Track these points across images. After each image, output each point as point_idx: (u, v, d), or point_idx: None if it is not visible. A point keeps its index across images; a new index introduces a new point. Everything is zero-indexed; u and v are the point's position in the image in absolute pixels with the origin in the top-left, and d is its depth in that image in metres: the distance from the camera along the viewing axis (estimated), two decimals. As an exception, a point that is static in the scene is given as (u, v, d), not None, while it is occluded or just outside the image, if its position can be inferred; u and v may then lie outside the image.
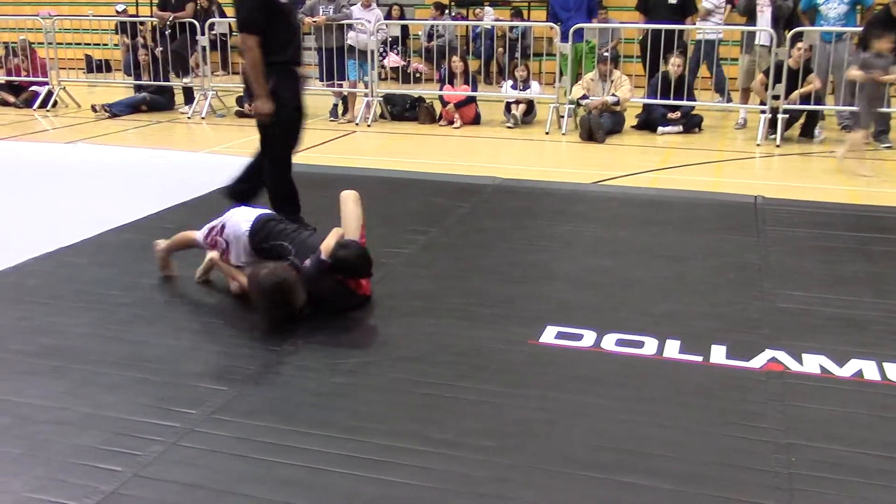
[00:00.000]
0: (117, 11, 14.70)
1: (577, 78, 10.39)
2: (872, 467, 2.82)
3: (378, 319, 4.13)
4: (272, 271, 3.90)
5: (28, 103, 11.70)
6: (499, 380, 3.44)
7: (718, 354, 3.66)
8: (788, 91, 8.93)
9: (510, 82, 10.49)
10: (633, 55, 10.83)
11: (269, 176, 5.32)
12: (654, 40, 9.84)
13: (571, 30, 9.85)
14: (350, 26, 10.45)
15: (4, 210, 6.12)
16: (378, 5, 12.20)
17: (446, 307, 4.22)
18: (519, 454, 2.90)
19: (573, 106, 9.73)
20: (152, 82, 11.39)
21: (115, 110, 10.98)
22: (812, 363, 3.57)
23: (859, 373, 3.50)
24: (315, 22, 10.30)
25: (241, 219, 4.26)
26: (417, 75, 13.54)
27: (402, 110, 10.69)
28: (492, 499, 2.66)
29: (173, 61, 11.60)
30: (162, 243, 4.62)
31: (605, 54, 9.89)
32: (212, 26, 11.11)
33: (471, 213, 6.01)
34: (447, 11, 14.73)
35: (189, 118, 10.86)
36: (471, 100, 10.36)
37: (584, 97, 9.60)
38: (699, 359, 3.63)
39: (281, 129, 5.20)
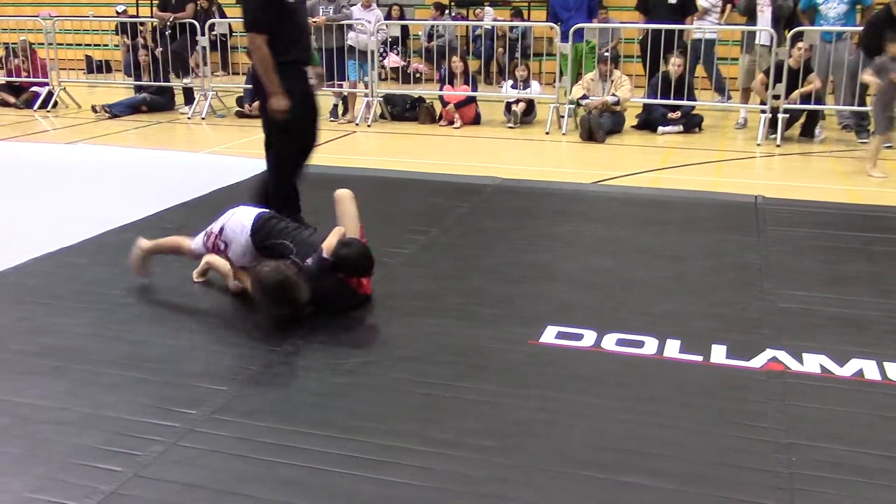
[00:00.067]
0: (117, 12, 14.71)
1: (577, 78, 10.39)
2: (873, 467, 2.82)
3: (378, 319, 4.13)
4: (274, 269, 3.90)
5: (28, 104, 11.70)
6: (499, 380, 3.44)
7: (719, 354, 3.66)
8: (789, 91, 8.93)
9: (510, 82, 10.49)
10: (634, 55, 10.83)
11: (272, 175, 5.32)
12: (654, 40, 9.84)
13: (572, 30, 9.85)
14: (350, 27, 10.45)
15: (5, 210, 6.12)
16: (378, 5, 12.20)
17: (446, 307, 4.22)
18: (519, 454, 2.89)
19: (573, 106, 9.73)
20: (152, 83, 11.39)
21: (116, 111, 10.98)
22: (812, 363, 3.57)
23: (860, 372, 3.49)
24: (315, 22, 10.29)
25: (241, 218, 4.26)
26: (417, 75, 13.54)
27: (403, 110, 10.69)
28: (492, 499, 2.66)
29: (173, 62, 11.61)
30: (145, 243, 4.52)
31: (606, 54, 9.89)
32: (212, 27, 11.11)
33: (471, 212, 6.01)
34: (447, 12, 14.74)
35: (189, 118, 10.87)
36: (471, 100, 10.36)
37: (585, 97, 9.60)
38: (699, 358, 3.63)
39: (284, 129, 5.19)
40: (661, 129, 9.54)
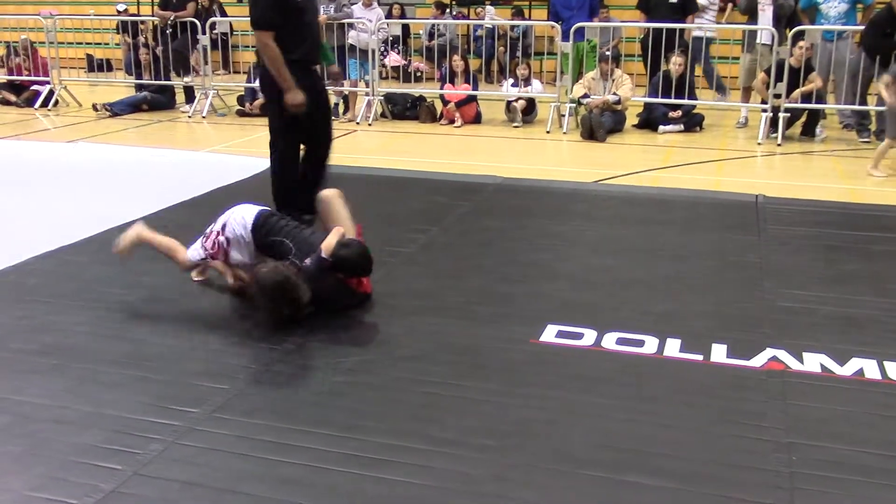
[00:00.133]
0: (118, 11, 14.71)
1: (578, 77, 10.39)
2: (873, 466, 2.82)
3: (378, 318, 4.13)
4: (273, 270, 3.90)
5: (29, 102, 11.70)
6: (499, 379, 3.44)
7: (719, 353, 3.66)
8: (790, 90, 8.92)
9: (510, 80, 10.49)
10: (635, 54, 10.82)
11: (274, 173, 5.33)
12: (655, 39, 9.84)
13: (573, 28, 9.85)
14: (351, 25, 10.45)
15: (5, 209, 6.12)
16: (379, 4, 12.19)
17: (447, 306, 4.22)
18: (519, 453, 2.90)
19: (574, 105, 9.73)
20: (153, 81, 11.39)
21: (116, 109, 10.98)
22: (813, 362, 3.57)
23: (860, 371, 3.49)
24: (316, 21, 10.30)
25: (243, 214, 4.24)
26: (418, 74, 13.54)
27: (403, 109, 10.68)
28: (492, 498, 2.66)
29: (174, 60, 11.61)
30: (145, 232, 4.40)
31: (607, 53, 9.88)
32: (213, 25, 11.11)
33: (471, 212, 6.01)
34: (448, 10, 14.73)
35: (190, 117, 10.87)
36: (472, 99, 10.35)
37: (586, 96, 9.59)
38: (700, 358, 3.63)
39: (288, 128, 5.19)
40: (661, 128, 9.53)
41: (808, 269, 4.81)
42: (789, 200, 6.29)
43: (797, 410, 3.18)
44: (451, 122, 10.24)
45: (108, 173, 7.43)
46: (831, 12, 9.26)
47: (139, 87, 11.61)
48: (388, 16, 13.57)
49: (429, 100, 10.74)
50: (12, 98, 11.81)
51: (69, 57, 13.31)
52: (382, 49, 12.55)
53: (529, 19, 14.18)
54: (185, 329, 3.98)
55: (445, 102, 10.42)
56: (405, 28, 14.54)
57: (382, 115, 10.68)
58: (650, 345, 3.74)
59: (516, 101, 10.18)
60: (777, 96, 8.94)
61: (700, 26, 10.69)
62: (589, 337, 3.83)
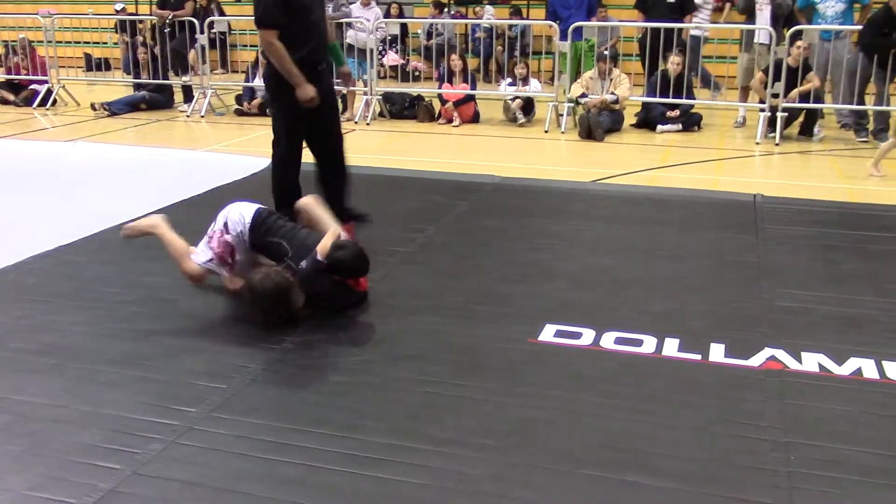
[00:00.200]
0: (116, 10, 14.69)
1: (576, 76, 10.39)
2: (871, 465, 2.82)
3: (377, 318, 4.13)
4: (267, 276, 3.90)
5: (28, 102, 11.69)
6: (498, 378, 3.44)
7: (717, 353, 3.66)
8: (788, 89, 8.93)
9: (508, 80, 10.49)
10: (633, 53, 10.83)
11: (273, 171, 5.32)
12: (653, 39, 9.84)
13: (571, 28, 9.85)
14: (349, 24, 10.45)
15: (4, 208, 6.12)
16: (377, 3, 12.20)
17: (445, 305, 4.22)
18: (518, 453, 2.90)
19: (572, 104, 9.73)
20: (151, 81, 11.38)
21: (115, 108, 10.97)
22: (811, 361, 3.58)
23: (858, 371, 3.50)
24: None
25: (241, 210, 4.21)
26: (416, 74, 13.53)
27: (401, 109, 10.68)
28: (491, 497, 2.66)
29: (172, 60, 11.61)
30: (162, 227, 4.33)
31: (605, 52, 9.89)
32: (211, 25, 11.11)
33: (470, 211, 6.01)
34: (446, 10, 14.73)
35: (188, 116, 10.86)
36: (470, 98, 10.35)
37: (584, 95, 9.59)
38: (698, 357, 3.63)
39: (291, 128, 5.19)
40: (660, 127, 9.53)
41: (806, 268, 4.81)
42: (787, 200, 6.29)
43: (795, 410, 3.19)
44: (450, 121, 10.24)
45: (107, 173, 7.43)
46: (828, 12, 9.27)
47: (137, 87, 11.59)
48: (387, 15, 13.57)
49: (427, 99, 10.74)
50: (10, 97, 11.80)
51: (67, 56, 13.30)
52: (380, 48, 12.54)
53: (527, 18, 14.19)
54: (184, 329, 3.98)
55: (443, 102, 10.42)
56: (403, 27, 14.54)
57: (380, 114, 10.68)
58: (648, 344, 3.75)
59: (513, 100, 10.18)
60: (775, 96, 8.94)
61: (699, 25, 10.69)
62: (587, 336, 3.83)
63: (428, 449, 2.91)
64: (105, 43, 14.89)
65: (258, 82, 10.69)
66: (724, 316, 4.09)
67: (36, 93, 11.71)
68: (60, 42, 12.66)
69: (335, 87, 5.81)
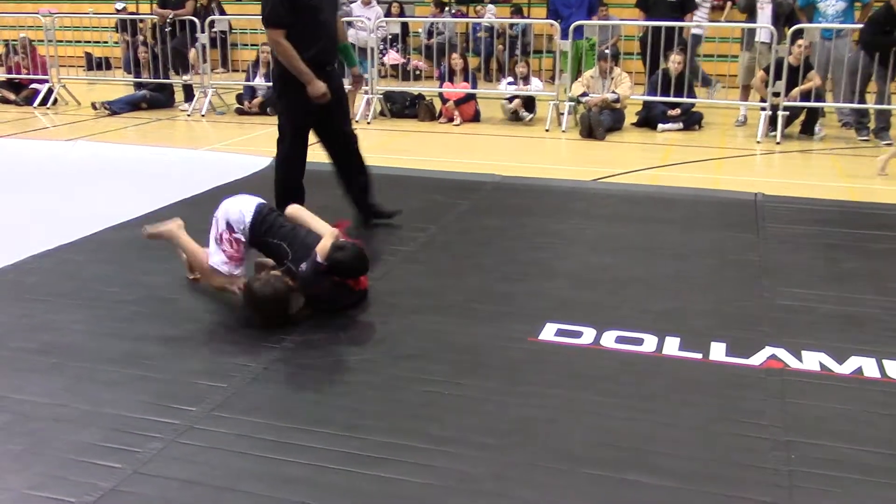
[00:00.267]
0: (117, 9, 14.69)
1: (577, 75, 10.39)
2: (872, 464, 2.82)
3: (378, 317, 4.13)
4: (265, 283, 3.90)
5: (28, 101, 11.68)
6: (499, 377, 3.44)
7: (718, 352, 3.66)
8: (789, 88, 8.93)
9: (509, 79, 10.48)
10: (634, 52, 10.83)
11: (277, 170, 5.32)
12: (654, 37, 9.84)
13: (572, 27, 9.85)
14: (350, 23, 10.45)
15: (4, 207, 6.12)
16: (378, 3, 12.21)
17: (446, 304, 4.22)
18: (519, 451, 2.90)
19: (573, 103, 9.73)
20: (152, 80, 11.38)
21: (115, 108, 10.97)
22: (812, 360, 3.57)
23: (859, 370, 3.49)
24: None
25: (240, 209, 4.19)
26: (417, 73, 13.53)
27: (402, 108, 10.68)
28: (492, 496, 2.66)
29: (173, 59, 11.60)
30: (180, 234, 4.39)
31: (606, 51, 9.88)
32: (212, 24, 11.12)
33: (470, 210, 6.01)
34: (447, 8, 14.72)
35: (189, 116, 10.86)
36: (470, 97, 10.35)
37: (584, 94, 9.59)
38: (699, 356, 3.63)
39: (295, 126, 5.18)
40: (660, 126, 9.53)
41: (807, 267, 4.81)
42: (788, 199, 6.29)
43: (796, 409, 3.18)
44: (450, 120, 10.23)
45: (107, 172, 7.42)
46: (829, 10, 9.27)
47: (138, 86, 11.59)
48: (387, 14, 13.57)
49: (428, 98, 10.74)
50: (11, 96, 11.80)
51: (68, 55, 13.29)
52: (381, 47, 12.55)
53: (528, 17, 14.18)
54: (184, 328, 3.98)
55: (444, 101, 10.41)
56: (404, 26, 14.53)
57: (381, 113, 10.68)
58: (649, 343, 3.74)
59: (510, 100, 10.18)
60: (776, 94, 8.93)
61: (699, 24, 10.68)
62: (588, 335, 3.83)
63: (428, 448, 2.91)
64: (106, 42, 14.87)
65: (259, 81, 10.71)
66: (725, 315, 4.09)
67: (36, 92, 11.71)
68: (61, 41, 12.66)
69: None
